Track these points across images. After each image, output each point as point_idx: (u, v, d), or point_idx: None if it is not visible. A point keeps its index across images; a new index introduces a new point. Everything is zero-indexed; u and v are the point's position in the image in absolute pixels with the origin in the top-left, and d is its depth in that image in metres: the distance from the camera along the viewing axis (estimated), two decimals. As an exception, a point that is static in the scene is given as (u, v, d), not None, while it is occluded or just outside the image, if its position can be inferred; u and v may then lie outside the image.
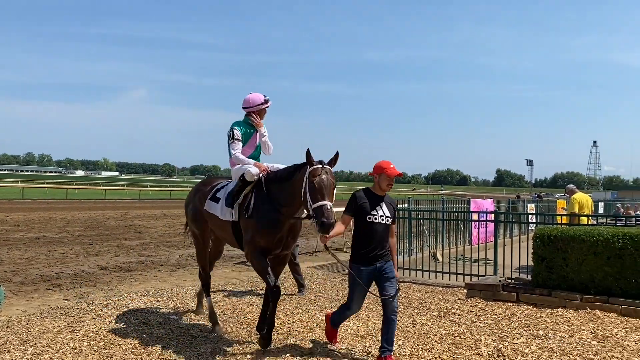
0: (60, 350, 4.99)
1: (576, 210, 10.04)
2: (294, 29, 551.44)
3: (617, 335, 5.70)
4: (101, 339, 5.36)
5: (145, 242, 14.55)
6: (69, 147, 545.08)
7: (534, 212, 14.99)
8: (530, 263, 7.54)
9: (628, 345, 5.37)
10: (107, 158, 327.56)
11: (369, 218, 4.66)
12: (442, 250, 11.51)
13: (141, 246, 13.58)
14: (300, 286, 8.01)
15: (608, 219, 11.13)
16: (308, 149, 4.75)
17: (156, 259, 11.45)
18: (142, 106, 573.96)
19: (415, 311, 6.85)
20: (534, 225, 9.90)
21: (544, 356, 5.02)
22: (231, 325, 6.06)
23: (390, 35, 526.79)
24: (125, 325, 5.87)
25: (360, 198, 4.72)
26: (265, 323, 5.16)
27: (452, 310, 6.88)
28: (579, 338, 5.60)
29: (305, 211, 4.87)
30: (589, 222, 8.83)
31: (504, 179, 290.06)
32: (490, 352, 5.11)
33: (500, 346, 5.28)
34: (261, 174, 5.30)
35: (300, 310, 6.71)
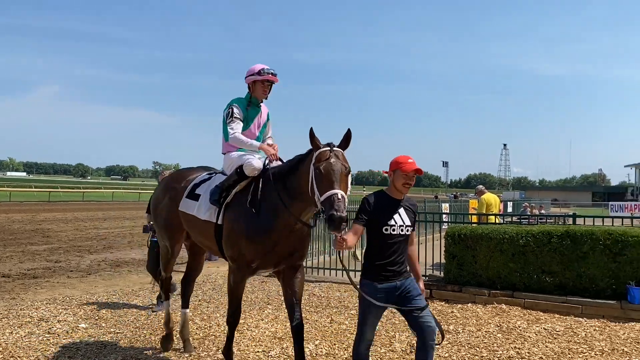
0: (-49, 367, 4.60)
1: (484, 210, 10.58)
2: (220, 27, 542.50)
3: (519, 327, 6.07)
4: (-1, 352, 5.00)
5: (53, 246, 13.74)
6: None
7: (447, 211, 15.65)
8: (444, 260, 7.86)
9: (529, 336, 5.73)
10: (14, 158, 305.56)
11: (386, 229, 3.71)
12: (362, 249, 11.73)
13: (49, 251, 12.81)
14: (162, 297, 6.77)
15: (514, 218, 11.82)
16: (311, 128, 3.81)
17: (65, 265, 10.84)
18: (54, 103, 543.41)
19: (334, 310, 6.93)
20: (447, 224, 10.34)
21: (453, 350, 5.25)
22: (144, 331, 5.85)
23: (318, 37, 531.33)
24: (28, 336, 5.49)
25: (372, 204, 3.77)
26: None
27: (369, 309, 7.02)
28: (485, 331, 5.90)
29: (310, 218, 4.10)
30: (496, 221, 9.34)
31: (421, 180, 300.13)
32: (403, 349, 5.28)
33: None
34: (266, 160, 4.38)
35: (218, 315, 6.59)
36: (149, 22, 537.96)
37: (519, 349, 5.31)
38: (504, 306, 6.97)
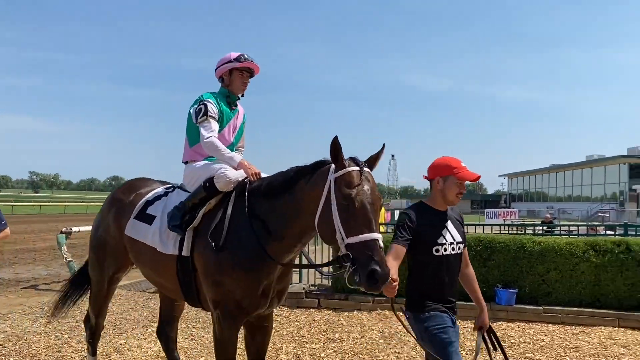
0: None
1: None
2: (103, 28, 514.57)
3: (400, 332, 6.38)
4: None
5: None
6: None
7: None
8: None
9: (408, 340, 6.05)
10: None
11: (437, 250, 3.04)
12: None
13: None
14: None
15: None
16: (336, 137, 2.79)
17: None
18: None
19: (222, 325, 6.83)
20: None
21: (337, 358, 5.41)
22: (12, 359, 5.38)
23: (208, 44, 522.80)
24: None
25: (416, 219, 3.06)
26: None
27: (258, 321, 7.02)
28: (369, 338, 6.14)
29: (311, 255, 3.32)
30: (381, 230, 9.77)
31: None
32: (289, 360, 5.34)
33: (299, 353, 5.54)
34: (246, 180, 3.39)
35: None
36: (24, 19, 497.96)
37: (398, 353, 5.59)
38: (386, 312, 7.30)
